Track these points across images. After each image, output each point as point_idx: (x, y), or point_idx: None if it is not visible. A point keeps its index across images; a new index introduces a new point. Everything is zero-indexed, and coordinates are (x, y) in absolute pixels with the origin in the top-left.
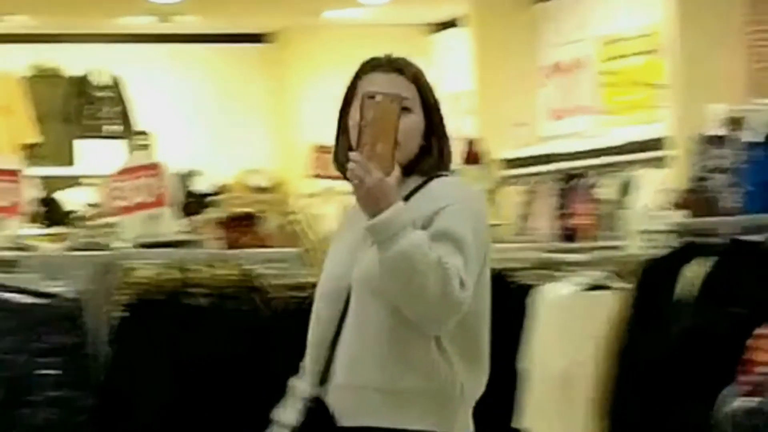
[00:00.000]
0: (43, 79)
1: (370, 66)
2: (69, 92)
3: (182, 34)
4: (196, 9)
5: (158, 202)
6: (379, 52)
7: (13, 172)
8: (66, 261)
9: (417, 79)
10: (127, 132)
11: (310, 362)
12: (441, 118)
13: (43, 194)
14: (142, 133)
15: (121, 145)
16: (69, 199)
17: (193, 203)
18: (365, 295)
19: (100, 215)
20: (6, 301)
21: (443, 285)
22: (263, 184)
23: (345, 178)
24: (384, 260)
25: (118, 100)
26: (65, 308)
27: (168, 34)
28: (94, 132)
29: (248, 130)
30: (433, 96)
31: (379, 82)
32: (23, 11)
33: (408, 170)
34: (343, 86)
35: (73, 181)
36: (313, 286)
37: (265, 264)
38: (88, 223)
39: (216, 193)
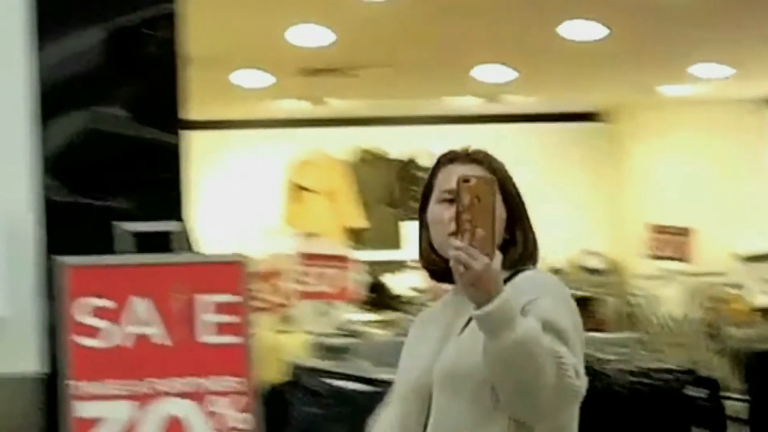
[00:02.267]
0: (368, 162)
1: (448, 159)
2: (395, 175)
3: (510, 114)
4: (525, 88)
5: None
6: (715, 129)
7: (341, 258)
8: (397, 347)
9: (496, 170)
10: None
11: None
12: (524, 210)
13: (370, 279)
14: None
15: None
16: (396, 284)
17: None
18: (446, 390)
19: (429, 300)
20: (338, 389)
21: (559, 374)
22: (599, 266)
23: (431, 275)
24: (498, 349)
25: None
26: None
27: (495, 115)
28: None
29: (581, 211)
30: (514, 187)
31: (458, 174)
32: (348, 95)
33: None
34: (675, 163)
35: (400, 265)
36: (656, 371)
37: (605, 348)
38: (418, 308)
39: None
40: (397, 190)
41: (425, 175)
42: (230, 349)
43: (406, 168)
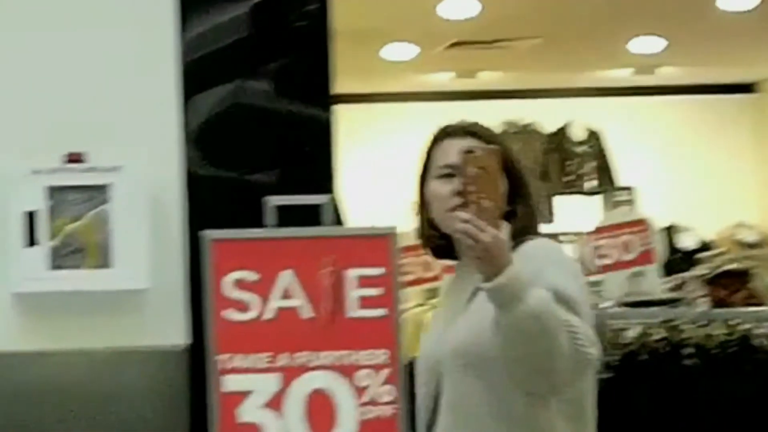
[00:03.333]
0: (517, 135)
1: (444, 133)
2: (545, 148)
3: (663, 86)
4: (679, 60)
5: (643, 260)
6: None
7: None
8: None
9: (494, 143)
10: (606, 187)
11: None
12: (523, 181)
13: None
14: (624, 188)
15: (599, 200)
16: None
17: (678, 260)
18: (456, 367)
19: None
20: None
21: (572, 343)
22: (753, 239)
23: (433, 252)
24: (511, 322)
25: (597, 154)
26: None
27: (648, 86)
28: (572, 188)
29: (735, 183)
30: (513, 158)
31: (455, 149)
32: (497, 67)
33: None
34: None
35: (552, 239)
36: None
37: (760, 323)
38: None
39: (702, 249)
40: (549, 163)
41: (577, 149)
42: (377, 322)
43: (557, 141)
